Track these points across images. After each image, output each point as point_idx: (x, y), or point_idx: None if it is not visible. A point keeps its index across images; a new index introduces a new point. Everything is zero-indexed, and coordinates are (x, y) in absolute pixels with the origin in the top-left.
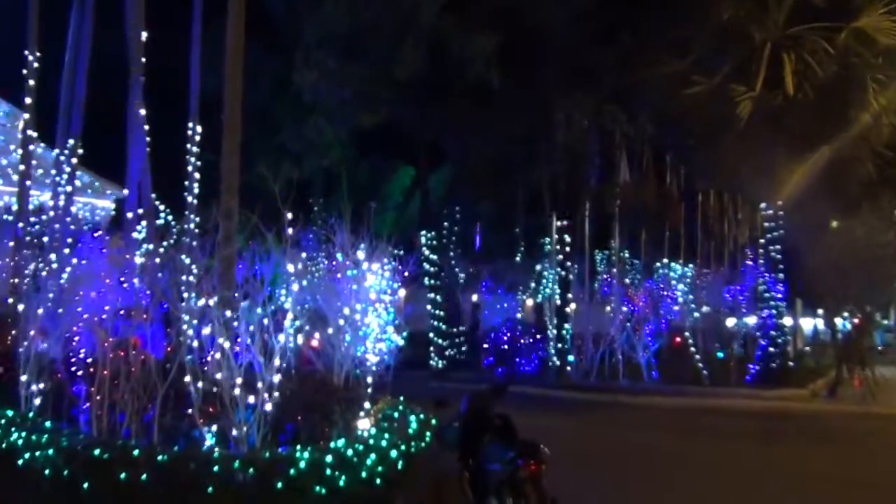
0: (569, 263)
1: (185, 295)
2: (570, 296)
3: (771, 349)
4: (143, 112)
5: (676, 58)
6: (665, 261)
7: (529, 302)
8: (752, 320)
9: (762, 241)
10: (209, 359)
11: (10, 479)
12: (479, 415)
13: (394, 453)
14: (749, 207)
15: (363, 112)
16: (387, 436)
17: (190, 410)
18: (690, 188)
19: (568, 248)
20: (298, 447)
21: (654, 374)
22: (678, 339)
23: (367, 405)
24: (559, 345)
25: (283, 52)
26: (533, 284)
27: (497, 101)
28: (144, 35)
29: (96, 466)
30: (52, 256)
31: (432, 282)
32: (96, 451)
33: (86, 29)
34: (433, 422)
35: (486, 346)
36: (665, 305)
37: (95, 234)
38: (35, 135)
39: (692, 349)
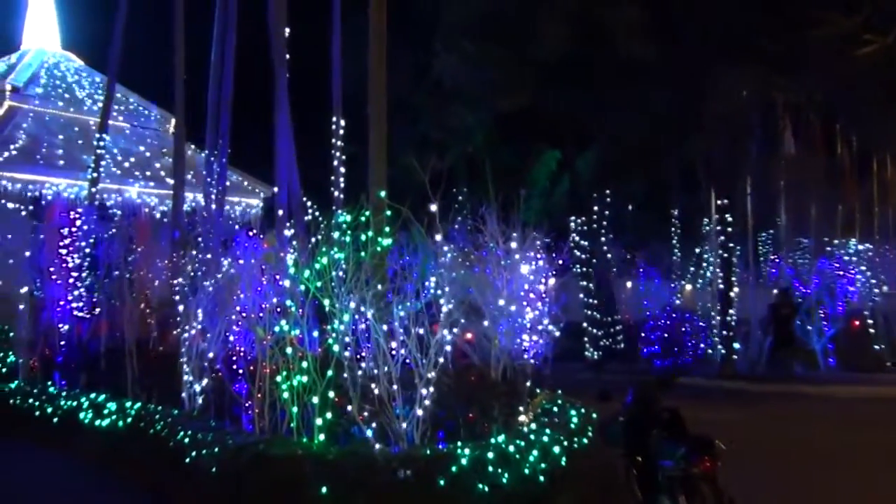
0: (731, 245)
1: (337, 290)
2: (733, 279)
3: None
4: (288, 112)
5: (845, 16)
6: (839, 239)
7: (688, 287)
8: None
9: None
10: (363, 354)
11: (178, 477)
12: (645, 408)
13: (556, 449)
14: None
15: (505, 95)
16: (548, 431)
17: (349, 407)
18: (865, 158)
19: (729, 229)
20: (459, 443)
21: (832, 362)
22: (857, 323)
23: (526, 399)
24: (724, 332)
25: (420, 38)
26: (692, 268)
27: (646, 76)
28: (287, 31)
29: (262, 464)
30: (208, 256)
31: (584, 269)
32: (261, 448)
33: (230, 31)
34: (594, 416)
35: (643, 335)
36: (841, 287)
37: (250, 233)
38: (185, 137)
39: (873, 333)
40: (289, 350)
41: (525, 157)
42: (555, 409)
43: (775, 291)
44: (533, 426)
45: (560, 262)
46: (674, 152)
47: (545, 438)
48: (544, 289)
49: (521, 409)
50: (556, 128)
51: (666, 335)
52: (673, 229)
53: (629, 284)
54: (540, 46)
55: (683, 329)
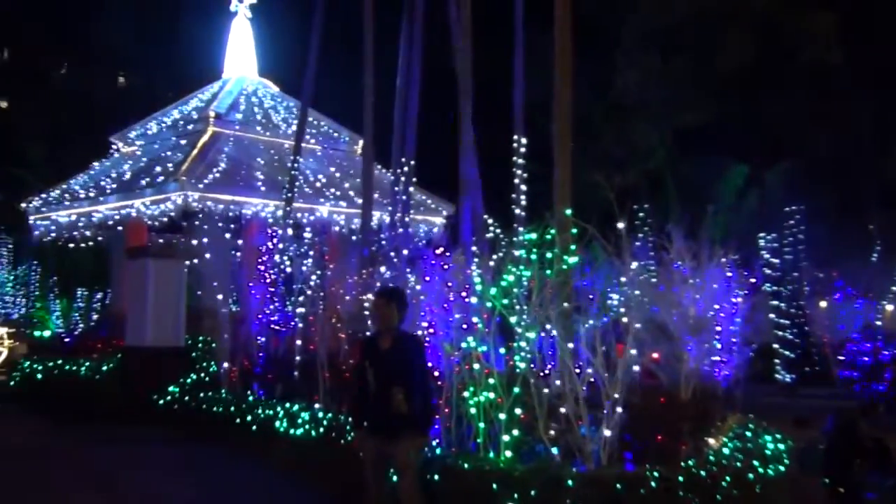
0: None
1: (520, 308)
2: None
3: None
4: (472, 132)
5: None
6: None
7: (889, 308)
8: None
9: None
10: (548, 371)
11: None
12: (847, 437)
13: (750, 476)
14: None
15: (688, 109)
16: (740, 456)
17: (535, 425)
18: None
19: None
20: (647, 466)
21: None
22: None
23: (716, 422)
24: None
25: (599, 55)
26: (894, 288)
27: (838, 85)
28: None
29: (453, 476)
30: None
31: (775, 288)
32: (448, 461)
33: (415, 55)
34: (790, 442)
35: (840, 357)
36: None
37: (437, 251)
38: (373, 158)
39: None
40: (475, 366)
41: (710, 172)
42: (747, 433)
43: None
44: (725, 451)
45: (750, 280)
46: (871, 164)
47: (737, 464)
48: (734, 308)
49: (711, 432)
50: (742, 142)
51: (866, 359)
52: (872, 245)
53: (823, 304)
54: (724, 57)
55: (885, 352)
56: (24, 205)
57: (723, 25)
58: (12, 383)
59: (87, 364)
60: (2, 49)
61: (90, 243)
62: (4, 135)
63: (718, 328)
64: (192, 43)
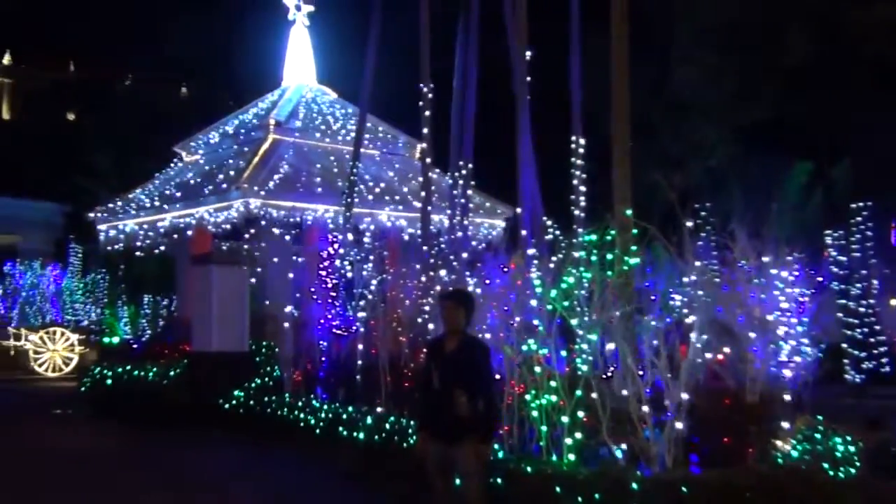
0: None
1: (580, 310)
2: None
3: None
4: (529, 134)
5: None
6: None
7: None
8: None
9: None
10: (610, 373)
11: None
12: None
13: (820, 479)
14: None
15: (748, 107)
16: (809, 458)
17: (599, 428)
18: None
19: None
20: (714, 469)
21: None
22: None
23: (784, 425)
24: None
25: (655, 53)
26: None
27: None
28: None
29: (516, 480)
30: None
31: (843, 286)
32: (511, 466)
33: (471, 57)
34: (861, 445)
35: None
36: None
37: (495, 254)
38: (431, 162)
39: None
40: (537, 369)
41: (772, 169)
42: (817, 435)
43: None
44: (793, 453)
45: (817, 278)
46: None
47: (807, 467)
48: (801, 307)
49: (779, 434)
50: (805, 138)
51: None
52: None
53: (894, 302)
54: (784, 52)
55: None
56: (92, 214)
57: (784, 20)
58: (83, 389)
59: (155, 369)
60: (69, 63)
61: (156, 251)
62: (73, 146)
63: (785, 328)
64: (252, 53)
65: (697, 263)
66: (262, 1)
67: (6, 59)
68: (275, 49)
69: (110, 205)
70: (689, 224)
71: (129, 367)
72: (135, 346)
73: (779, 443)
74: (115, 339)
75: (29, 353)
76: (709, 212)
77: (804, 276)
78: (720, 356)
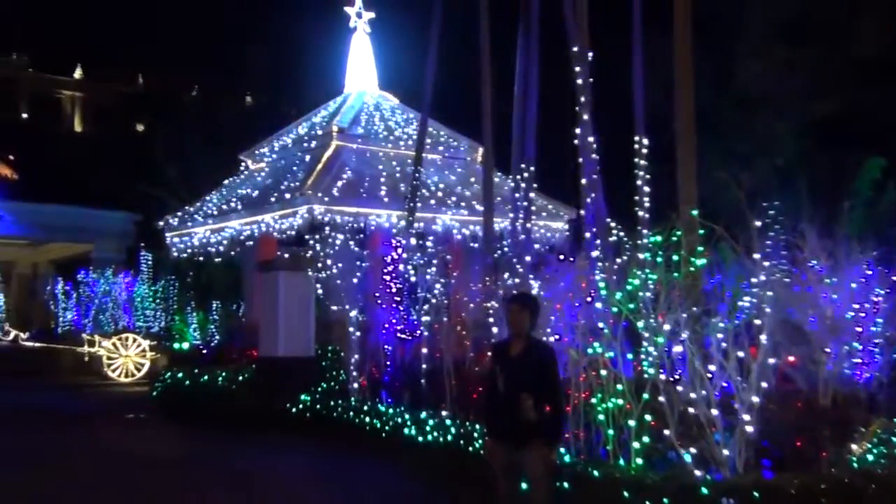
0: None
1: (647, 312)
2: None
3: None
4: (591, 134)
5: None
6: None
7: None
8: None
9: None
10: (678, 376)
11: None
12: None
13: None
14: None
15: (818, 100)
16: (884, 462)
17: (666, 432)
18: None
19: None
20: (787, 473)
21: None
22: None
23: (859, 427)
24: None
25: (721, 47)
26: None
27: None
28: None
29: (583, 484)
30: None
31: None
32: (579, 469)
33: (532, 59)
34: None
35: None
36: None
37: (560, 257)
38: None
39: None
40: (603, 372)
41: (843, 165)
42: (893, 438)
43: None
44: (869, 457)
45: (892, 277)
46: None
47: (879, 470)
48: (875, 307)
49: (854, 438)
50: (879, 132)
51: None
52: None
53: None
54: (856, 44)
55: None
56: (161, 223)
57: (856, 10)
58: (154, 393)
59: (224, 374)
60: (137, 77)
61: (223, 258)
62: (142, 157)
63: (858, 329)
64: (314, 61)
65: (766, 263)
66: (323, 10)
67: (77, 74)
68: (336, 57)
69: (179, 213)
70: (758, 223)
71: (198, 372)
72: (204, 351)
73: (853, 446)
74: (185, 345)
75: (102, 359)
76: (777, 210)
77: (878, 275)
78: (791, 358)
